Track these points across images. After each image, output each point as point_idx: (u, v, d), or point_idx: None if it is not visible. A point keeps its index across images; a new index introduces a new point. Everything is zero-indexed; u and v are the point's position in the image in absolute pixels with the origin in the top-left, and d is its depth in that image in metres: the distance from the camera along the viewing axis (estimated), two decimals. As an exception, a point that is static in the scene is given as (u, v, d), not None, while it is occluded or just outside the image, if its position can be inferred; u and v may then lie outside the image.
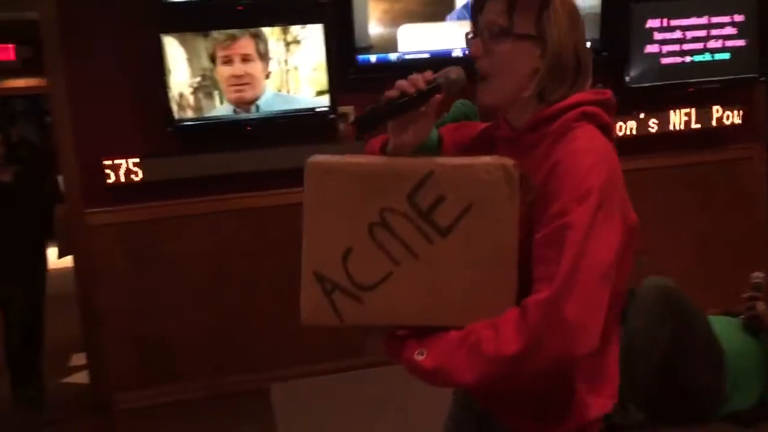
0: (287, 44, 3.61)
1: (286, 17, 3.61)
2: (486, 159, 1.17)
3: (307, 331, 4.01)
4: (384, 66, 3.72)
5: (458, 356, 1.13)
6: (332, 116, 3.73)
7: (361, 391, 3.60)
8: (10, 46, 7.26)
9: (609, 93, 1.29)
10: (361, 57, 3.70)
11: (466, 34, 1.31)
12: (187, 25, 3.51)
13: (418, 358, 1.15)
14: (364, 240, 1.16)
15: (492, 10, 1.26)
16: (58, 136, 3.61)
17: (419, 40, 3.74)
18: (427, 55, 3.77)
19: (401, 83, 1.23)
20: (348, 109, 3.81)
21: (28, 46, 7.15)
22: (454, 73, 1.25)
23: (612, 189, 1.16)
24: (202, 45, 3.50)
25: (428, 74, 1.24)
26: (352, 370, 3.80)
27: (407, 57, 3.74)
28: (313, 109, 3.69)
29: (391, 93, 1.23)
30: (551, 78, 1.24)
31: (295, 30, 3.60)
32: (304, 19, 3.63)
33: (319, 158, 1.18)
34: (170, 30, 3.48)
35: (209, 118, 3.58)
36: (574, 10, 1.27)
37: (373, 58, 3.72)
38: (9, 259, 3.86)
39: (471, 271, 1.15)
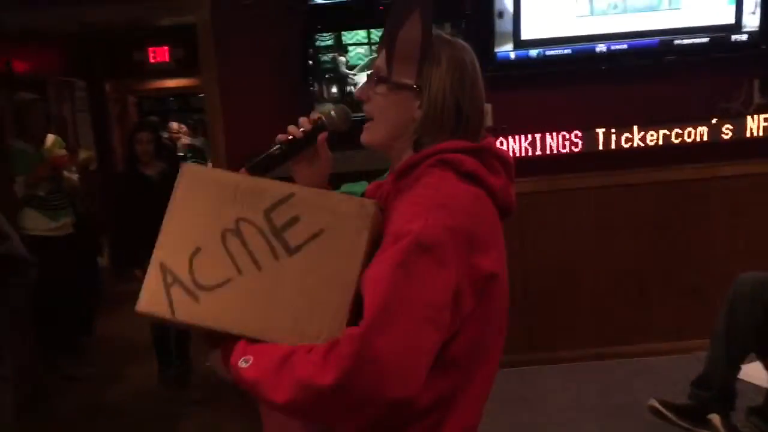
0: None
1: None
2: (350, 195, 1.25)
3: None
4: (524, 62, 3.69)
5: (277, 373, 1.10)
6: (469, 113, 3.73)
7: (495, 389, 3.57)
8: (165, 48, 7.75)
9: (487, 142, 1.29)
10: (500, 53, 3.67)
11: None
12: (331, 25, 3.63)
13: (242, 365, 1.14)
14: (215, 243, 1.21)
15: (380, 57, 1.30)
16: (212, 132, 3.83)
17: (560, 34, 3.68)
18: (568, 51, 3.69)
19: (290, 128, 1.32)
20: (486, 106, 3.79)
21: (180, 48, 7.62)
22: (336, 111, 1.35)
23: (451, 235, 1.12)
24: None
25: (314, 115, 1.33)
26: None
27: (548, 53, 3.69)
28: (450, 106, 3.70)
29: (281, 137, 1.31)
30: (427, 129, 1.26)
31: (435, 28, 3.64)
32: (444, 16, 3.65)
33: (195, 166, 1.32)
34: (316, 30, 3.62)
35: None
36: (464, 65, 1.28)
37: (512, 54, 3.69)
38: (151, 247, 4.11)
39: (308, 293, 1.17)
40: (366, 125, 1.32)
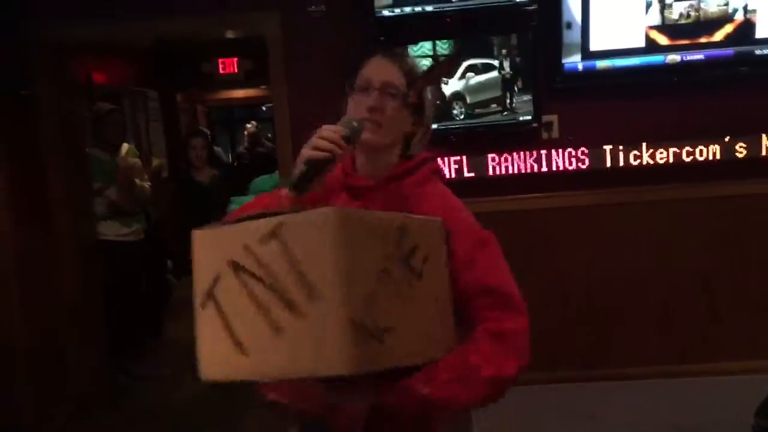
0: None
1: (494, 26, 3.65)
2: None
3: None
4: (590, 74, 3.65)
5: (464, 381, 1.30)
6: (535, 125, 3.71)
7: (560, 404, 3.54)
8: (234, 59, 7.94)
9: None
10: (567, 64, 3.64)
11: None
12: (398, 38, 3.66)
13: (425, 390, 1.27)
14: (378, 284, 1.17)
15: (386, 71, 1.49)
16: (279, 141, 3.91)
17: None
18: (637, 62, 3.63)
19: (322, 144, 1.34)
20: (552, 117, 3.77)
21: (248, 60, 7.79)
22: (357, 123, 1.43)
23: None
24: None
25: (339, 129, 1.38)
26: (548, 383, 3.74)
27: (617, 65, 3.64)
28: (515, 117, 3.69)
29: (316, 154, 1.33)
30: (421, 142, 1.57)
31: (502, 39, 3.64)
32: (511, 28, 3.64)
33: (345, 209, 1.17)
34: (381, 43, 3.65)
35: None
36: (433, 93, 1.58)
37: (580, 65, 3.65)
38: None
39: (437, 310, 1.32)
40: (371, 127, 1.45)
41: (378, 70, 1.50)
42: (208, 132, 5.89)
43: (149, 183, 4.73)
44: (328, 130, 1.36)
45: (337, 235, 1.10)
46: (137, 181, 4.49)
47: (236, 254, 1.16)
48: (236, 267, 1.17)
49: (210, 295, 1.20)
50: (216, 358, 1.20)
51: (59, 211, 3.99)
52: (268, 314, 1.13)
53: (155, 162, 5.43)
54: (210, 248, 1.22)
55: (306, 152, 1.34)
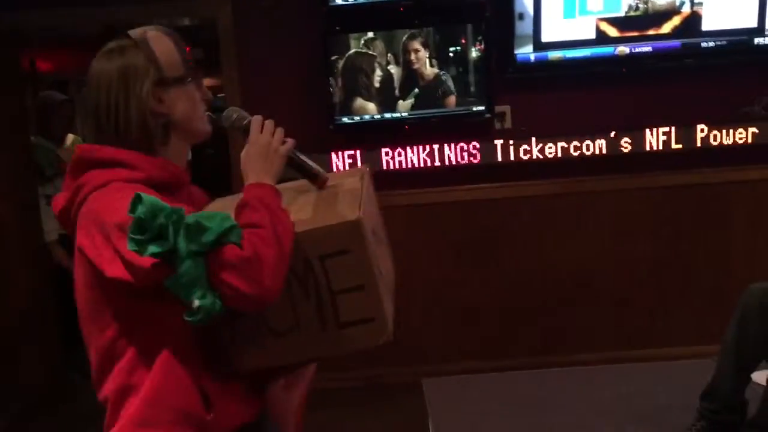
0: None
1: (445, 17, 3.65)
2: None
3: (459, 329, 4.03)
4: (543, 65, 3.68)
5: None
6: (488, 116, 3.73)
7: (512, 391, 3.57)
8: (185, 48, 7.78)
9: None
10: (520, 55, 3.67)
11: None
12: (350, 26, 3.64)
13: None
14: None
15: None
16: (230, 134, 3.85)
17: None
18: (588, 53, 3.68)
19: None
20: (505, 108, 3.79)
21: (199, 48, 7.66)
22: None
23: None
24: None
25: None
26: (500, 371, 3.79)
27: (568, 56, 3.68)
28: (469, 108, 3.71)
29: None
30: None
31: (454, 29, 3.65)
32: (464, 19, 3.65)
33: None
34: (334, 32, 3.63)
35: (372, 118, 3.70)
36: None
37: (532, 56, 3.68)
38: None
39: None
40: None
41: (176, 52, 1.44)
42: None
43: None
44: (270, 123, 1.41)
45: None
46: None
47: None
48: None
49: None
50: None
51: (3, 206, 3.87)
52: None
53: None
54: None
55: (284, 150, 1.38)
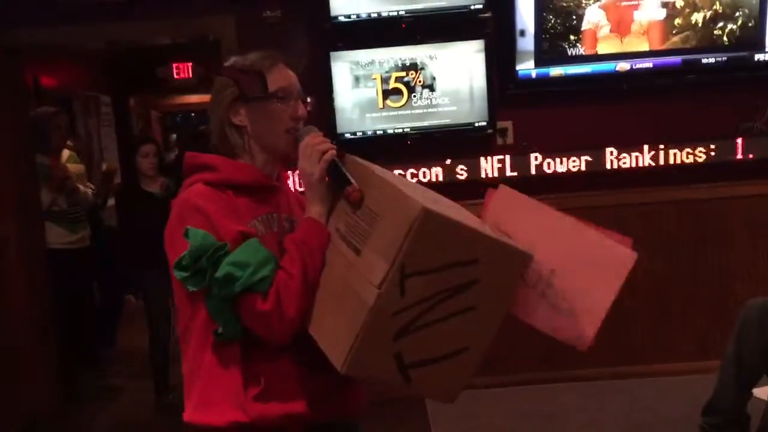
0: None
1: (447, 33, 3.68)
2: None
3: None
4: (544, 81, 3.71)
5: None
6: (490, 131, 3.75)
7: (515, 406, 3.57)
8: (189, 64, 7.85)
9: None
10: (521, 71, 3.69)
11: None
12: (353, 43, 3.67)
13: None
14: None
15: (294, 79, 1.55)
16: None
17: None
18: (588, 70, 3.71)
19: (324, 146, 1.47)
20: (507, 124, 3.81)
21: (203, 65, 7.72)
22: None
23: None
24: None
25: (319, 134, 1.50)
26: (503, 386, 3.78)
27: (569, 72, 3.70)
28: (472, 123, 3.73)
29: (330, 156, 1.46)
30: None
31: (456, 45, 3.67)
32: (465, 35, 3.68)
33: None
34: (338, 48, 3.66)
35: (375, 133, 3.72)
36: None
37: (533, 72, 3.70)
38: (153, 269, 3.75)
39: None
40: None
41: (290, 78, 1.54)
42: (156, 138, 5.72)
43: (92, 188, 4.61)
44: (318, 136, 1.48)
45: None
46: (81, 187, 4.37)
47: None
48: None
49: None
50: None
51: (7, 219, 3.88)
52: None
53: (105, 166, 5.30)
54: None
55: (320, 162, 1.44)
